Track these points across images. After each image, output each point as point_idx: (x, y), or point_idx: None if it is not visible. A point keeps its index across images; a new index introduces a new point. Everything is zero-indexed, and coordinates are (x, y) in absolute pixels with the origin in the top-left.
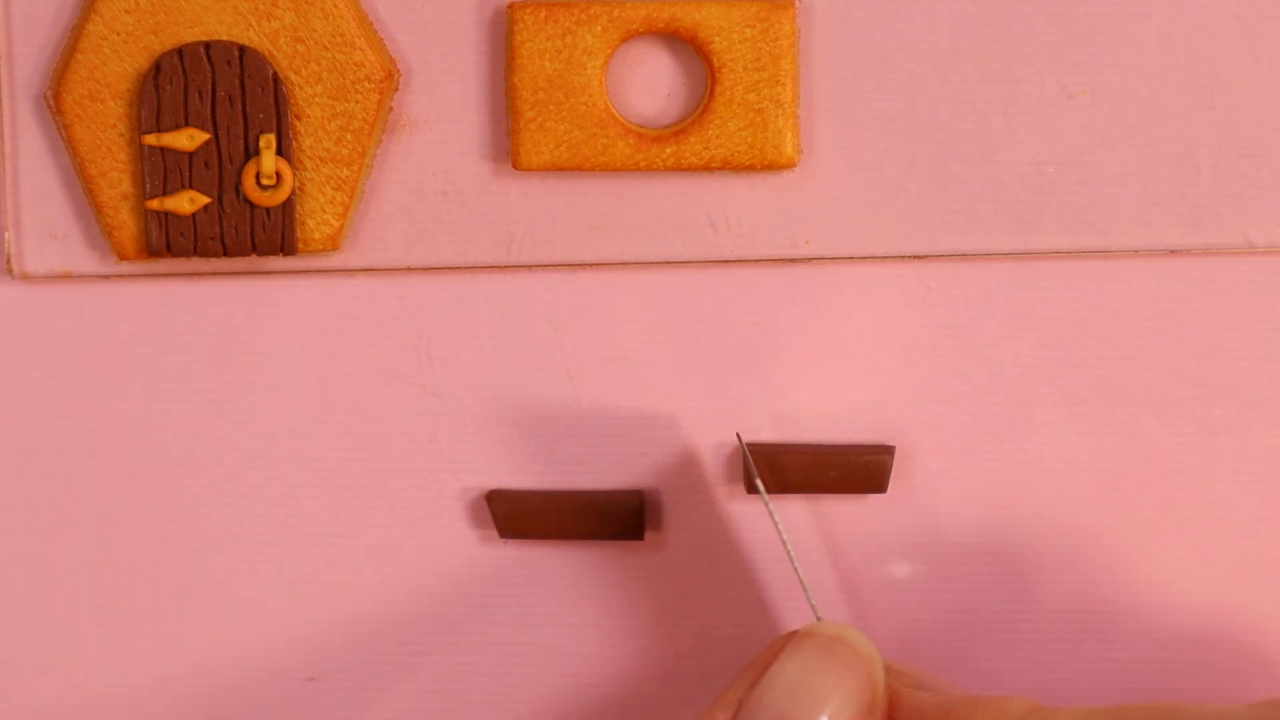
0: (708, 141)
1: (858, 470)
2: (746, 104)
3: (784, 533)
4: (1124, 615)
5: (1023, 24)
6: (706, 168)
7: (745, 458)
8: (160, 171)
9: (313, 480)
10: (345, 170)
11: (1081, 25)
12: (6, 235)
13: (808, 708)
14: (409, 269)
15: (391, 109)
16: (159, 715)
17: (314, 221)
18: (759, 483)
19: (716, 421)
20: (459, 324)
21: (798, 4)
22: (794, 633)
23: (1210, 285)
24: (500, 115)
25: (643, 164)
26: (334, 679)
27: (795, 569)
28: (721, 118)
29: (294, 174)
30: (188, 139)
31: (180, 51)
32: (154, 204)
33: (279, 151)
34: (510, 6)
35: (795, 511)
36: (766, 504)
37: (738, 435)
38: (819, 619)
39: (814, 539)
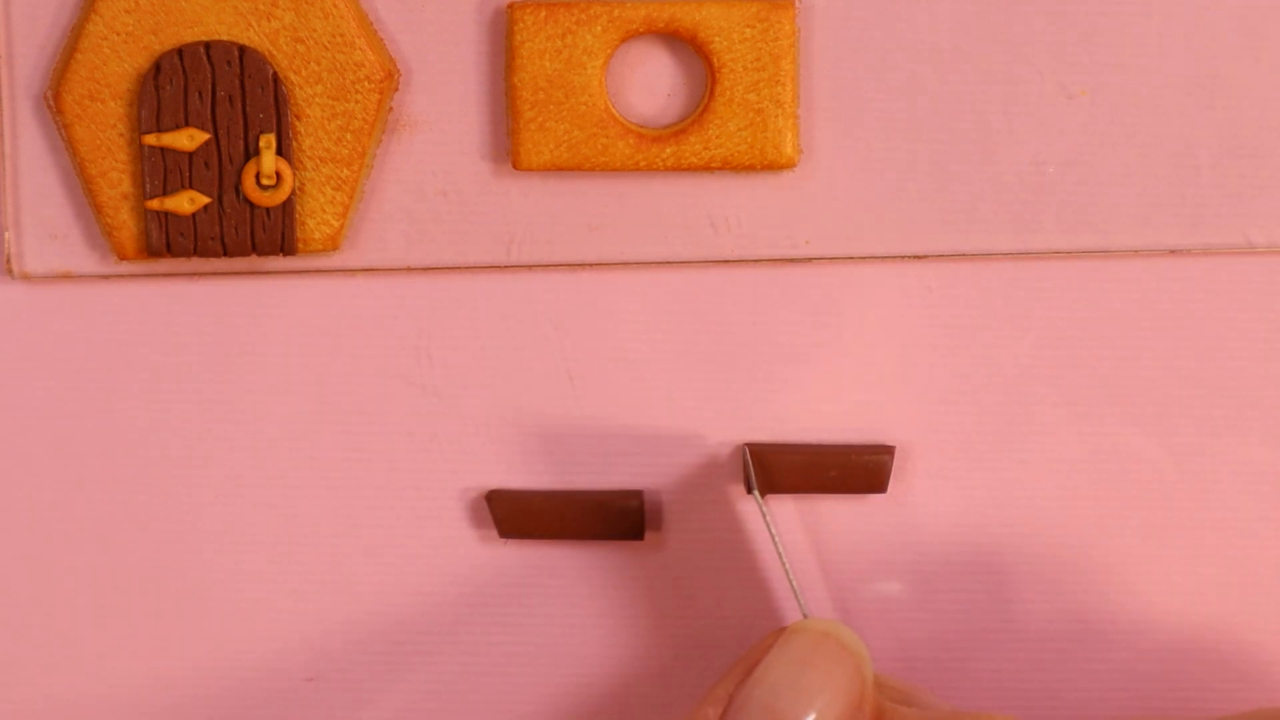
0: (708, 141)
1: (857, 470)
2: (746, 104)
3: (776, 536)
4: (1121, 617)
5: (1023, 24)
6: (706, 168)
7: (746, 465)
8: (160, 171)
9: (313, 480)
10: (345, 170)
11: (1081, 25)
12: (6, 235)
13: (797, 703)
14: (409, 269)
15: (391, 109)
16: (159, 715)
17: (314, 221)
18: (756, 494)
19: (716, 421)
20: (459, 324)
21: (798, 4)
22: (783, 629)
23: (1210, 285)
24: (500, 115)
25: (643, 164)
26: (334, 679)
27: (784, 567)
28: (721, 118)
29: (294, 174)
30: (188, 139)
31: (180, 51)
32: (154, 204)
33: (279, 151)
34: (510, 6)
35: (793, 511)
36: (763, 513)
37: (744, 448)
38: (805, 616)
39: (812, 539)
